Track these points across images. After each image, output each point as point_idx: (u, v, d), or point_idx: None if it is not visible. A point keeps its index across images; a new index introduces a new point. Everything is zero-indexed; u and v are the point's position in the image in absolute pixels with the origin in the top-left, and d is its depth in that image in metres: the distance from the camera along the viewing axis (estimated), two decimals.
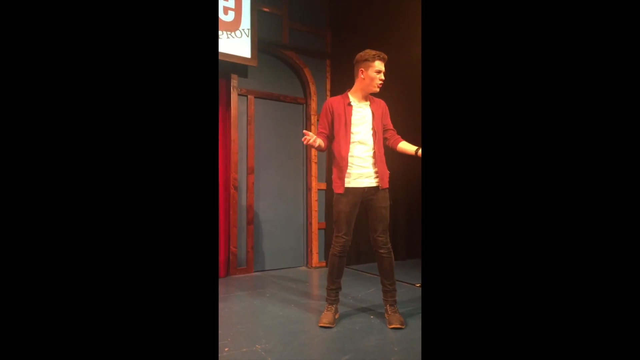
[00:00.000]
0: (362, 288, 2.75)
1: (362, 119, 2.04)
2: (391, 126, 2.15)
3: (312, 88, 3.59)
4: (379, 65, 1.98)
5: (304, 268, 3.50)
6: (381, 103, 2.13)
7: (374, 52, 1.98)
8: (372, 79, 1.99)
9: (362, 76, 2.01)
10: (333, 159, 2.08)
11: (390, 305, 2.05)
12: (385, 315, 2.05)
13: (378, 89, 2.02)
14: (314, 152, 3.56)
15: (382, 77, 2.00)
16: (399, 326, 1.93)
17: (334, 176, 2.05)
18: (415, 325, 1.99)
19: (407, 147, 2.09)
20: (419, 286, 2.82)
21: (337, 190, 2.02)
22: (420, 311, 2.22)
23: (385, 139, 2.12)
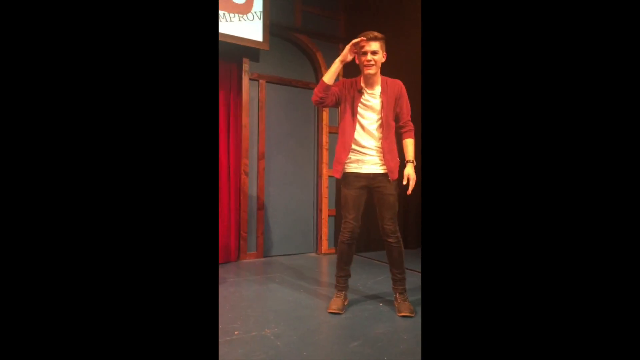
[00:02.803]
0: (372, 276, 2.75)
1: (369, 109, 1.97)
2: (407, 116, 2.03)
3: (325, 73, 3.53)
4: (366, 46, 1.88)
5: (313, 254, 3.51)
6: (396, 86, 2.00)
7: (363, 33, 1.88)
8: (360, 62, 1.92)
9: (357, 61, 1.96)
10: (337, 142, 2.03)
11: (400, 293, 2.04)
12: (395, 303, 2.04)
13: (368, 70, 1.90)
14: (325, 138, 3.53)
15: (369, 58, 1.88)
16: (408, 314, 1.93)
17: (335, 159, 2.02)
18: None
19: (408, 149, 2.03)
20: None
21: (335, 174, 2.01)
22: None
23: (399, 127, 2.04)
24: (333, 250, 3.49)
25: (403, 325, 1.81)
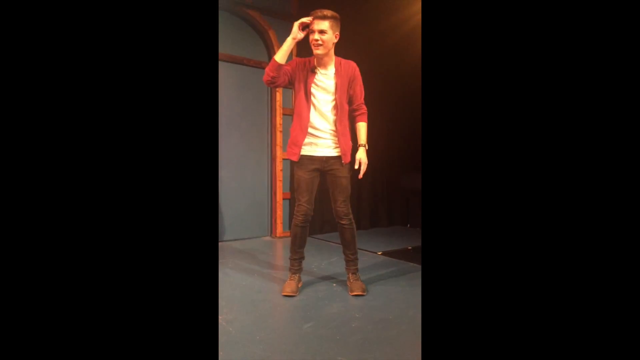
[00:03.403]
0: (325, 257, 2.78)
1: (323, 90, 1.93)
2: (360, 98, 2.01)
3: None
4: (314, 24, 1.82)
5: (268, 238, 3.48)
6: (349, 68, 1.96)
7: (313, 12, 1.83)
8: (310, 41, 1.86)
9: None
10: (292, 124, 1.98)
11: (352, 273, 2.08)
12: (347, 283, 2.08)
13: (316, 51, 1.85)
14: (279, 120, 3.46)
15: (317, 37, 1.82)
16: (360, 293, 1.98)
17: (290, 141, 1.98)
18: (377, 292, 2.04)
19: (361, 132, 2.02)
20: (381, 254, 2.89)
21: (291, 157, 1.96)
22: (381, 278, 2.28)
23: (352, 109, 2.02)
24: (288, 234, 3.48)
25: (355, 304, 1.85)
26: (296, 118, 1.96)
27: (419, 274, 2.37)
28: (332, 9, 1.86)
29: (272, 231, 3.55)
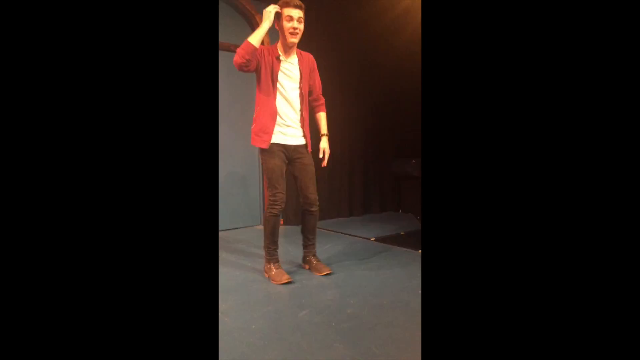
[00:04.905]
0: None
1: (289, 78, 1.96)
2: (319, 89, 2.09)
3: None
4: (288, 11, 1.85)
5: (259, 227, 3.47)
6: (309, 59, 2.03)
7: (288, 0, 1.85)
8: (284, 30, 1.87)
9: (277, 27, 1.91)
10: (256, 111, 1.98)
11: (314, 255, 2.17)
12: (309, 266, 2.16)
13: (293, 40, 1.88)
14: None
15: (295, 25, 1.85)
16: (329, 271, 2.07)
17: (255, 129, 1.96)
18: (371, 277, 2.05)
19: (322, 122, 2.12)
20: (374, 240, 2.91)
21: (261, 144, 1.94)
22: (375, 264, 2.30)
23: (312, 100, 2.08)
24: (281, 222, 3.48)
25: (350, 291, 1.86)
26: (262, 105, 1.95)
27: (412, 258, 2.39)
28: None
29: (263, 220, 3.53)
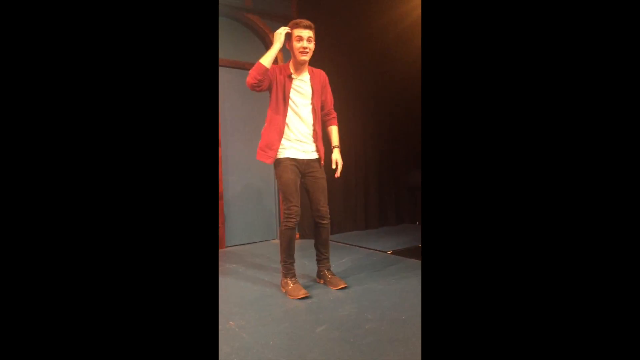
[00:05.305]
0: (334, 259, 2.77)
1: (301, 95, 2.02)
2: (331, 104, 2.15)
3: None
4: (298, 32, 1.93)
5: (276, 241, 3.48)
6: (321, 75, 2.09)
7: (295, 20, 1.94)
8: (295, 49, 1.96)
9: (288, 47, 1.99)
10: (265, 128, 2.05)
11: (328, 270, 2.16)
12: (324, 280, 2.14)
13: (303, 58, 1.96)
14: None
15: (305, 45, 1.93)
16: (344, 285, 2.06)
17: (262, 145, 2.03)
18: (389, 292, 2.03)
19: (334, 135, 2.16)
20: (391, 253, 2.88)
21: (266, 160, 2.01)
22: (393, 277, 2.27)
23: (324, 114, 2.14)
24: (297, 236, 3.48)
25: (368, 305, 1.84)
26: (271, 122, 2.02)
27: None
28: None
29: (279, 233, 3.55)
